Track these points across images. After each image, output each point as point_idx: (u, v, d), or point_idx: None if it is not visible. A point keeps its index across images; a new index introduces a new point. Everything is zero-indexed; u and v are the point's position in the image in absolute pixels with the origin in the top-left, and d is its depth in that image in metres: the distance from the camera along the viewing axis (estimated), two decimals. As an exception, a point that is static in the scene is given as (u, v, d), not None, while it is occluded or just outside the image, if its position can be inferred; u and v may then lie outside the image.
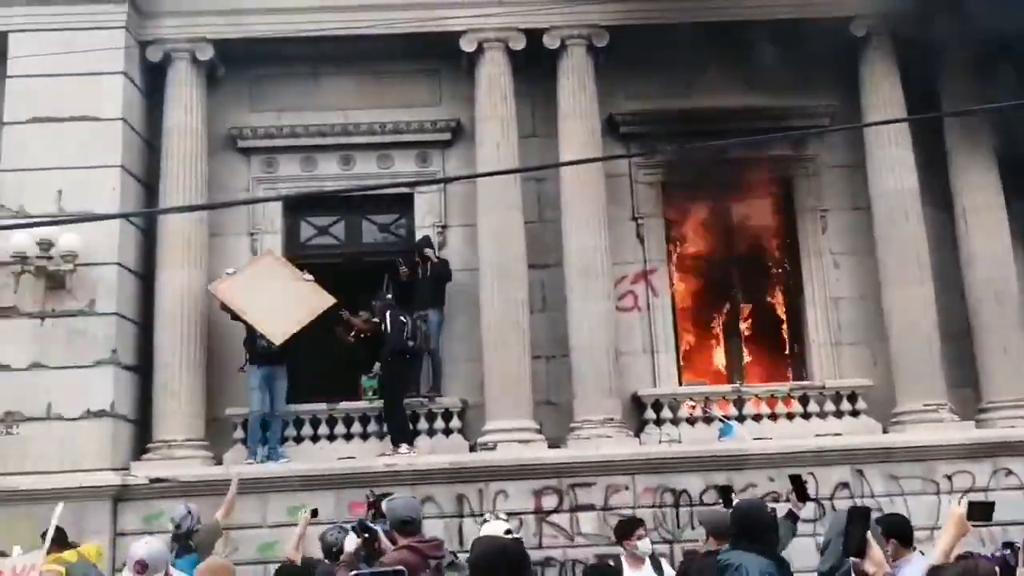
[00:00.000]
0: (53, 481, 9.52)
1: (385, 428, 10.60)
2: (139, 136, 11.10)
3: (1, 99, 10.65)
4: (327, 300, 10.53)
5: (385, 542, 5.27)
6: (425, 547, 5.02)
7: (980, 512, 4.01)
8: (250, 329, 10.40)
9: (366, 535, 5.36)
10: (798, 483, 6.55)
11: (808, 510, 9.75)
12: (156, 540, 5.54)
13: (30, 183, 10.36)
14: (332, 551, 6.59)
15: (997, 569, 3.64)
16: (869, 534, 4.30)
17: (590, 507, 10.01)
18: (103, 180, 10.45)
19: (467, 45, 11.27)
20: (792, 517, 6.53)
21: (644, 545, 7.20)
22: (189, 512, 7.87)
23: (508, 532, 5.16)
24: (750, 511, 5.31)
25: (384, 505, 5.48)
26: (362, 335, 10.81)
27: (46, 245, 9.98)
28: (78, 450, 9.80)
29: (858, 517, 3.85)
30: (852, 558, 4.45)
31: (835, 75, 11.75)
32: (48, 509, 9.38)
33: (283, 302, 10.34)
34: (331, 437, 10.71)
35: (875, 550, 4.35)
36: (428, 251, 11.06)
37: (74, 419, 9.89)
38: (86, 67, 10.49)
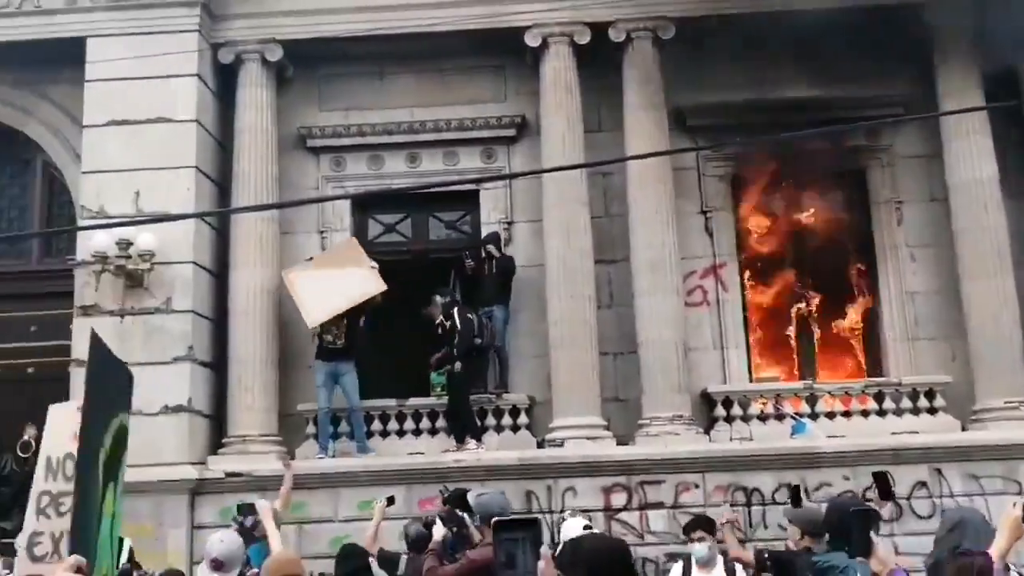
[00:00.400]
0: (133, 475, 9.67)
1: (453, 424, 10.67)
2: (212, 137, 11.33)
3: (81, 102, 10.95)
4: (378, 286, 10.57)
5: (473, 530, 5.31)
6: None
7: None
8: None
9: (454, 525, 5.39)
10: (883, 480, 6.39)
11: (885, 510, 9.62)
12: (231, 536, 5.61)
13: (109, 184, 10.66)
14: (417, 543, 6.62)
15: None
16: (872, 533, 4.39)
17: (660, 505, 9.93)
18: (178, 181, 10.70)
19: (532, 40, 11.25)
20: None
21: (697, 550, 6.81)
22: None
23: (587, 528, 5.14)
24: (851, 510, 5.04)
25: (472, 499, 5.50)
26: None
27: (125, 245, 10.26)
28: (157, 445, 10.03)
29: (860, 518, 3.91)
30: (859, 558, 4.61)
31: (909, 63, 11.44)
32: (129, 503, 9.70)
33: (334, 287, 10.44)
34: (400, 432, 10.81)
35: (880, 548, 4.50)
36: (491, 247, 11.06)
37: (153, 414, 10.13)
38: (160, 70, 10.74)
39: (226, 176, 11.31)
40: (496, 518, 2.17)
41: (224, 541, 5.41)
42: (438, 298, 10.77)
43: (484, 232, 11.47)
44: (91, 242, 10.35)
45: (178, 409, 10.25)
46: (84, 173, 10.84)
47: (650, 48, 11.17)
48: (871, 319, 11.69)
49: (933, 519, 9.48)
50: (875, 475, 6.42)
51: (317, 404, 10.52)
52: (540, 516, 9.61)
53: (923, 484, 9.90)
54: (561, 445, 10.28)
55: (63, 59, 11.06)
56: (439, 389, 10.89)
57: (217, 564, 5.21)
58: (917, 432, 10.39)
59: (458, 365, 10.45)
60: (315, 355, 10.64)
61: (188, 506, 10.04)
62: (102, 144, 10.81)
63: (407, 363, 11.14)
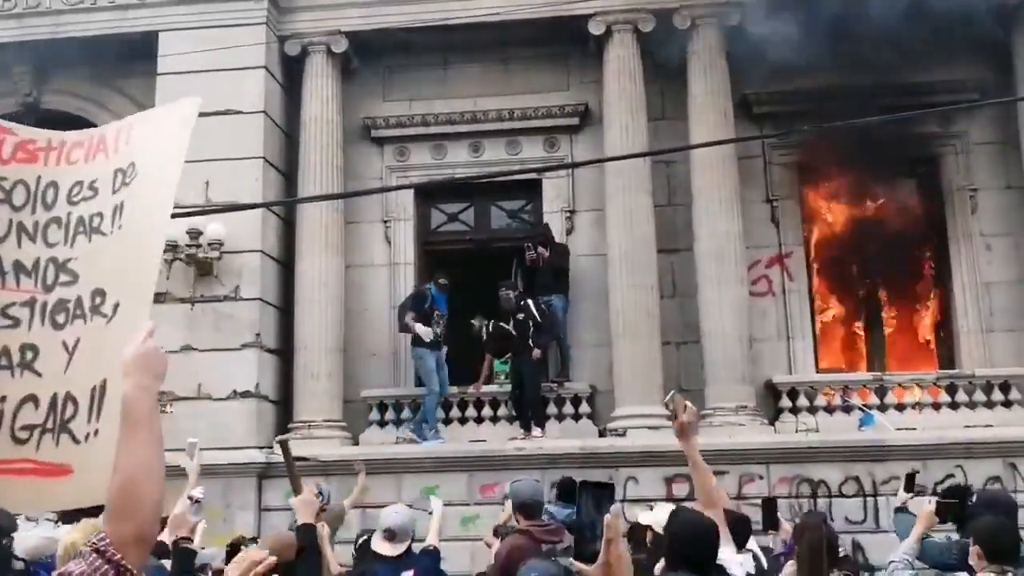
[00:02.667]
0: (203, 458, 9.95)
1: (514, 412, 10.69)
2: (278, 128, 11.52)
3: (153, 95, 11.21)
4: None
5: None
6: (539, 532, 5.02)
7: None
8: (424, 314, 10.49)
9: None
10: (910, 479, 6.34)
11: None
12: (404, 509, 5.83)
13: (180, 175, 10.87)
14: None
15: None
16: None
17: (723, 495, 9.81)
18: (246, 171, 10.92)
19: (595, 28, 11.18)
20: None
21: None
22: (320, 492, 8.06)
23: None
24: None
25: (508, 486, 5.54)
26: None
27: (195, 234, 10.50)
28: (226, 429, 10.27)
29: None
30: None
31: (984, 46, 11.08)
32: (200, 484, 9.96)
33: None
34: (463, 420, 10.88)
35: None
36: (541, 250, 10.84)
37: (222, 399, 10.39)
38: (229, 63, 10.95)
39: (292, 166, 11.50)
40: (581, 480, 2.48)
41: (398, 513, 5.63)
42: (511, 293, 10.72)
43: (546, 221, 11.47)
44: (163, 231, 10.58)
45: (246, 394, 10.47)
46: (156, 164, 11.08)
47: (715, 34, 11.03)
48: (943, 310, 11.39)
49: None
50: (908, 475, 6.44)
51: (429, 389, 10.52)
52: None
53: (996, 479, 9.62)
54: (623, 435, 10.24)
55: (136, 53, 11.34)
56: (503, 377, 10.91)
57: (390, 534, 5.41)
58: (991, 426, 10.11)
59: (536, 353, 10.43)
60: (417, 343, 10.55)
61: (256, 489, 10.25)
62: (173, 136, 11.03)
63: (470, 351, 11.18)
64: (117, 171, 2.55)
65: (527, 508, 5.17)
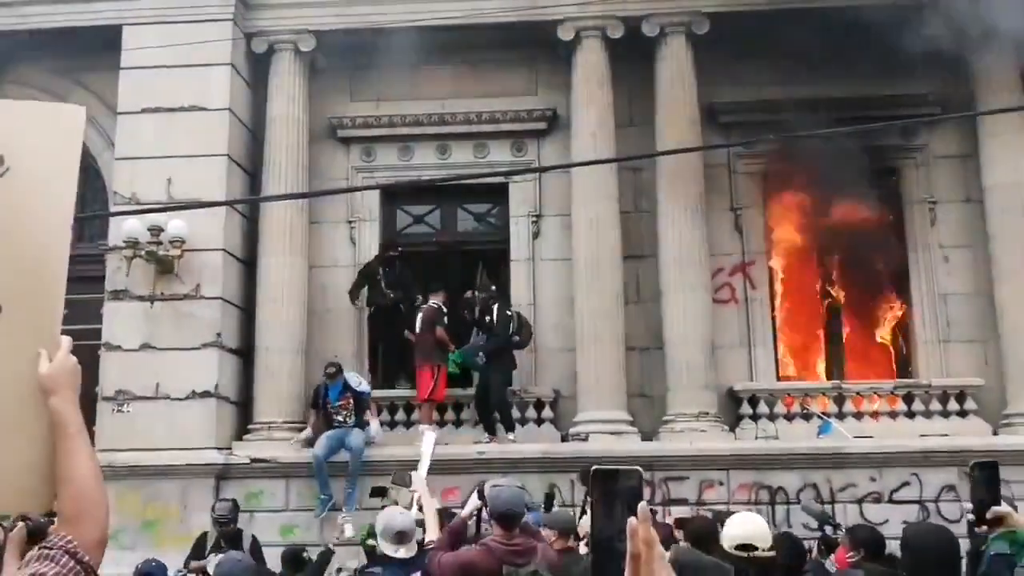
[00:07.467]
0: (161, 458, 9.91)
1: (477, 416, 10.67)
2: (244, 125, 11.40)
3: (116, 90, 11.06)
4: None
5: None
6: (504, 550, 4.58)
7: None
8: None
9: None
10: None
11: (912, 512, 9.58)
12: (405, 512, 5.72)
13: (141, 171, 10.76)
14: None
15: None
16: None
17: (683, 501, 9.87)
18: (210, 168, 10.78)
19: (564, 34, 11.21)
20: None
21: None
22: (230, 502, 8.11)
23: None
24: None
25: (487, 489, 5.21)
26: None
27: (156, 231, 10.35)
28: (184, 429, 10.14)
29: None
30: None
31: (946, 60, 11.23)
32: (155, 485, 9.86)
33: None
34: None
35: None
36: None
37: (180, 399, 10.24)
38: (194, 59, 10.81)
39: (257, 165, 11.39)
40: (595, 467, 1.79)
41: (403, 514, 5.54)
42: (475, 293, 10.76)
43: (512, 226, 11.49)
44: (123, 228, 10.44)
45: (205, 395, 10.33)
46: (117, 159, 10.95)
47: (684, 43, 11.10)
48: (902, 320, 11.56)
49: (960, 523, 9.36)
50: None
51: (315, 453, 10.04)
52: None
53: (951, 488, 9.79)
54: (585, 439, 10.27)
55: (99, 47, 11.14)
56: (454, 366, 10.75)
57: (400, 536, 5.33)
58: (946, 435, 10.28)
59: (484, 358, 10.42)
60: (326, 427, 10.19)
61: (214, 490, 10.11)
62: (135, 131, 10.91)
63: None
64: None
65: (505, 519, 4.72)
